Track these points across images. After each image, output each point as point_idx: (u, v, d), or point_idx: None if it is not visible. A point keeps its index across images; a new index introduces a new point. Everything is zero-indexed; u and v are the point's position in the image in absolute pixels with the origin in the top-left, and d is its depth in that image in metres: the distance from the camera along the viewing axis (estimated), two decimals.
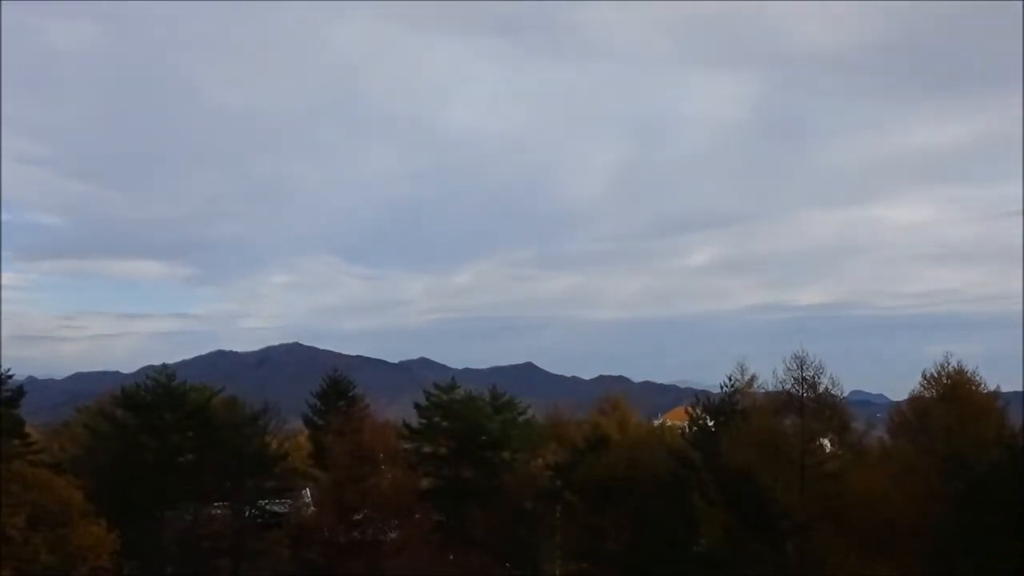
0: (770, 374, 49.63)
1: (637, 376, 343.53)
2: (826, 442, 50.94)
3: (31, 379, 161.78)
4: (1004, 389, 52.13)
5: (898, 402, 59.01)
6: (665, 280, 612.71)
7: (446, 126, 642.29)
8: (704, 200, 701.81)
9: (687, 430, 55.30)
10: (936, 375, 49.45)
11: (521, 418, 65.09)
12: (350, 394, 69.12)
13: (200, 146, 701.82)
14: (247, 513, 58.58)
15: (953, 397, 47.98)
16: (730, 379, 52.19)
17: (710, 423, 52.17)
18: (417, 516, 55.92)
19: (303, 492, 60.43)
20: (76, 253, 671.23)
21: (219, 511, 57.72)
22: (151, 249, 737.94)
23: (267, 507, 59.37)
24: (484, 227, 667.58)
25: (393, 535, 55.79)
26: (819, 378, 47.67)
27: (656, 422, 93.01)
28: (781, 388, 48.96)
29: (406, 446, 61.45)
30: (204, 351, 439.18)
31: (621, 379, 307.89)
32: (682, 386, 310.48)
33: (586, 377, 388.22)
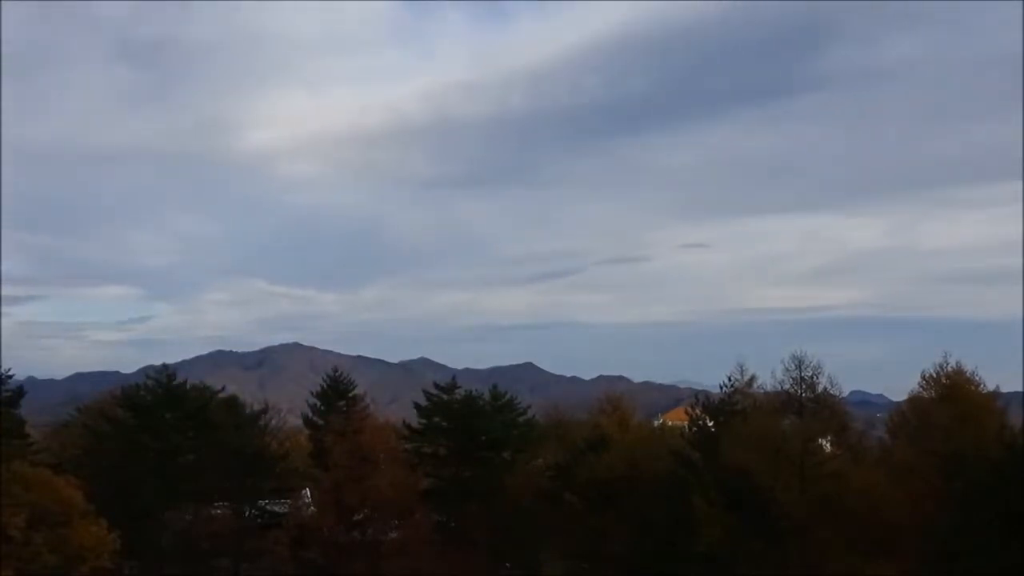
0: (769, 374, 49.91)
1: (637, 376, 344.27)
2: (825, 442, 51.05)
3: (31, 379, 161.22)
4: (1004, 389, 52.34)
5: (898, 402, 59.12)
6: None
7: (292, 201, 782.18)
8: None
9: (687, 430, 55.26)
10: (936, 375, 49.50)
11: (521, 418, 65.11)
12: (350, 394, 68.90)
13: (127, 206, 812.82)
14: (247, 513, 58.63)
15: (953, 397, 48.03)
16: (730, 379, 52.16)
17: (710, 423, 52.09)
18: (417, 516, 55.96)
19: (303, 492, 60.36)
20: (43, 283, 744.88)
21: (219, 511, 57.75)
22: (105, 277, 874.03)
23: (267, 507, 59.41)
24: (358, 261, 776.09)
25: (393, 535, 55.84)
26: (817, 378, 47.86)
27: (656, 422, 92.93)
28: (780, 388, 49.11)
29: (406, 446, 61.47)
30: (204, 351, 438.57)
31: (621, 379, 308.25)
32: (682, 386, 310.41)
33: (586, 377, 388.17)
